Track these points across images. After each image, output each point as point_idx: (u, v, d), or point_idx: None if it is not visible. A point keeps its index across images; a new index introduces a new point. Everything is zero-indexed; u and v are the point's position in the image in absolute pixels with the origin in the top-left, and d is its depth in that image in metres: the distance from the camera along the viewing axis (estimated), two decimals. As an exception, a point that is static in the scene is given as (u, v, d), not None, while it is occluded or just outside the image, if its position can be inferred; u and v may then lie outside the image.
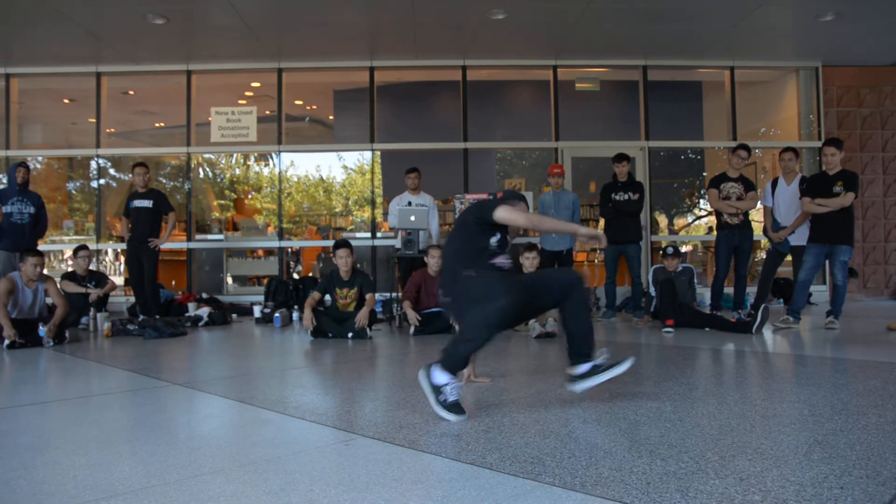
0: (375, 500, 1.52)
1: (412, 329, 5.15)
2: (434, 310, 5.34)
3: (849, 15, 6.85)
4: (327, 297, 5.33)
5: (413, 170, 6.66)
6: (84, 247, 6.34)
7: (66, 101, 9.64)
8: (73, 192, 10.32)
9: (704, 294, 6.90)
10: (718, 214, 5.76)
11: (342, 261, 5.14)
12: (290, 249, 9.10)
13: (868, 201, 8.59)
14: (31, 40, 7.36)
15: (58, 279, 5.73)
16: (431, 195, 6.80)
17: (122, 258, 9.05)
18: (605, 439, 1.99)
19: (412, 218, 5.88)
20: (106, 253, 8.85)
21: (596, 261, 9.58)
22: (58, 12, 6.46)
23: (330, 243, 9.07)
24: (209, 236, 8.40)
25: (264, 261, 8.78)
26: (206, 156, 10.04)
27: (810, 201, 5.11)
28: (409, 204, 6.47)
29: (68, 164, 10.14)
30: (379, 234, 8.33)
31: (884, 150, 8.67)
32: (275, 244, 8.43)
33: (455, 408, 2.27)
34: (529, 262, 5.37)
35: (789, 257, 5.89)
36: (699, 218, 10.89)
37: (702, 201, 10.53)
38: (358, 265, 5.99)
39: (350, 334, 4.91)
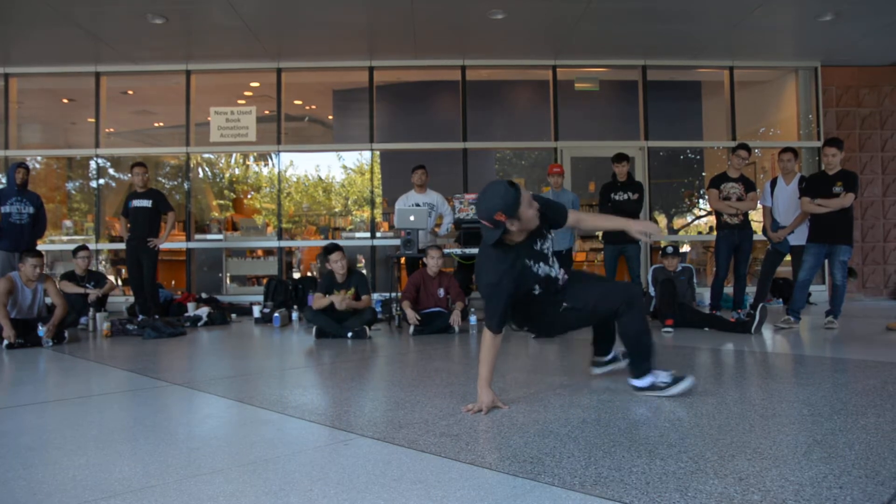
0: (375, 500, 1.52)
1: (411, 329, 5.15)
2: (433, 309, 5.34)
3: (848, 15, 6.85)
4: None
5: (420, 167, 6.56)
6: (84, 247, 6.33)
7: (65, 100, 9.63)
8: (73, 191, 10.30)
9: (704, 294, 6.90)
10: (718, 214, 5.76)
11: (337, 264, 5.14)
12: (291, 250, 9.09)
13: (867, 201, 8.60)
14: (31, 40, 7.35)
15: (57, 279, 5.73)
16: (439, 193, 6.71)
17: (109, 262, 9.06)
18: (604, 439, 1.99)
19: (411, 218, 5.86)
20: (110, 256, 8.86)
21: (596, 261, 9.59)
22: (57, 12, 6.46)
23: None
24: (208, 236, 8.39)
25: (263, 261, 8.78)
26: (206, 156, 10.02)
27: (810, 201, 5.11)
28: (417, 205, 6.38)
29: (67, 164, 10.12)
30: (378, 234, 8.33)
31: (883, 149, 8.68)
32: (274, 244, 8.43)
33: (678, 380, 2.57)
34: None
35: (789, 257, 5.89)
36: (698, 218, 10.91)
37: (701, 201, 10.55)
38: (356, 266, 5.99)
39: (349, 334, 4.91)
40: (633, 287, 2.71)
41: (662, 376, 2.58)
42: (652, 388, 2.59)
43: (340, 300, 5.02)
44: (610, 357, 3.07)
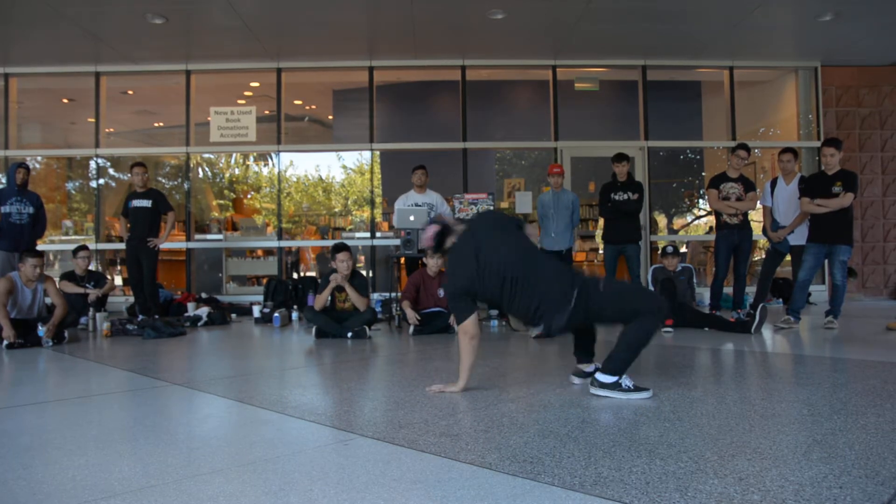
0: (374, 500, 1.52)
1: (411, 329, 5.15)
2: (433, 309, 5.34)
3: (848, 15, 6.86)
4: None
5: (419, 167, 6.57)
6: (84, 247, 6.33)
7: (65, 100, 9.63)
8: (73, 191, 10.31)
9: (704, 294, 6.90)
10: (718, 214, 5.76)
11: (343, 265, 5.11)
12: (291, 250, 9.10)
13: (867, 201, 8.60)
14: (31, 40, 7.36)
15: (57, 279, 5.72)
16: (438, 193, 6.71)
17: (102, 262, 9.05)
18: (604, 439, 1.99)
19: (411, 218, 5.87)
20: (107, 256, 8.86)
21: (595, 260, 9.59)
22: (57, 12, 6.46)
23: (328, 243, 9.12)
24: (208, 236, 8.39)
25: (263, 261, 8.78)
26: (206, 156, 10.03)
27: (809, 201, 5.11)
28: (416, 205, 6.37)
29: (67, 164, 10.13)
30: (378, 234, 8.34)
31: (882, 149, 8.68)
32: (274, 244, 8.43)
33: (639, 389, 2.59)
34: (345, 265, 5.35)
35: (789, 257, 5.90)
36: (698, 218, 10.92)
37: (701, 201, 10.56)
38: (357, 266, 6.00)
39: (349, 334, 4.91)
40: (664, 300, 2.68)
41: (627, 381, 2.60)
42: (614, 386, 2.59)
43: (341, 278, 5.04)
44: (592, 369, 2.88)
